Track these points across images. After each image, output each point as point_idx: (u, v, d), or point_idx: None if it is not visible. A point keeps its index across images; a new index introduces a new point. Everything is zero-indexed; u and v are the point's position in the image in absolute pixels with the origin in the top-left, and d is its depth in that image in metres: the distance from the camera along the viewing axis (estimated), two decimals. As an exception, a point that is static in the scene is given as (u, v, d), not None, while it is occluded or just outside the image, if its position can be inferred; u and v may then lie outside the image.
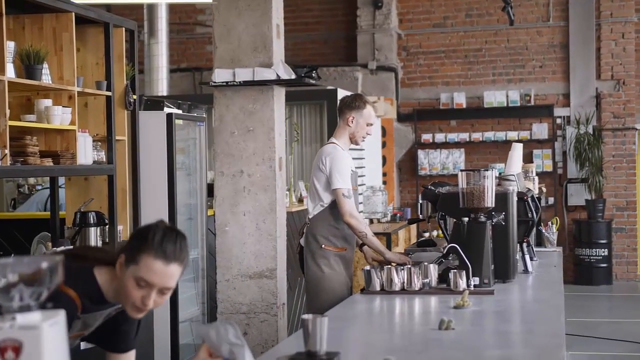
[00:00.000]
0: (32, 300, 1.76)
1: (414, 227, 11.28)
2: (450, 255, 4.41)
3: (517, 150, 5.54)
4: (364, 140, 5.34)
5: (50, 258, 1.78)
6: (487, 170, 4.42)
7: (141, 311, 2.61)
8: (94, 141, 5.45)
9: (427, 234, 12.21)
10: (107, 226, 5.51)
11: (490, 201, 4.39)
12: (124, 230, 5.79)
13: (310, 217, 5.22)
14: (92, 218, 5.36)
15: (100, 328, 2.77)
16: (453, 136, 12.74)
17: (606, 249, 12.13)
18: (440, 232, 11.88)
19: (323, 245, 5.12)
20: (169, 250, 2.56)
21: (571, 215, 12.59)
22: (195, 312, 6.73)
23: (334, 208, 5.12)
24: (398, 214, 11.18)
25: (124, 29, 5.83)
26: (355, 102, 5.24)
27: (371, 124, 5.26)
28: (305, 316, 2.74)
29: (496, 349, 3.07)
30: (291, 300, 7.17)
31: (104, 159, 5.52)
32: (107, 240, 5.54)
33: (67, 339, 2.53)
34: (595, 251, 12.11)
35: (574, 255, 12.33)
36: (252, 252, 5.66)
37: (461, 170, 4.46)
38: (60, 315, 1.80)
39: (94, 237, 5.37)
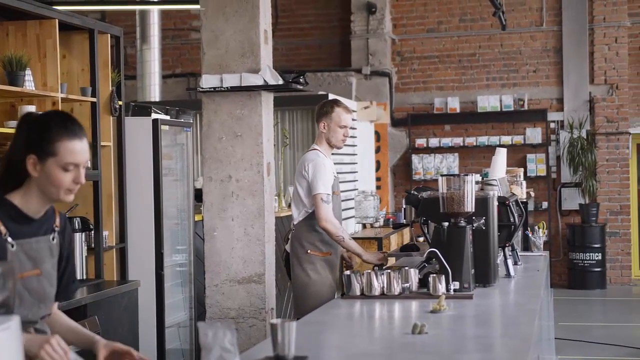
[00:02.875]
0: (-17, 306, 1.78)
1: (407, 231, 11.28)
2: (432, 259, 4.42)
3: (501, 155, 5.56)
4: (343, 142, 5.37)
5: (3, 264, 1.79)
6: (467, 175, 4.43)
7: (73, 191, 2.70)
8: (79, 147, 5.47)
9: (421, 239, 12.21)
10: (92, 232, 5.53)
11: (470, 206, 4.40)
12: (109, 236, 5.81)
13: (294, 222, 5.31)
14: (77, 224, 5.37)
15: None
16: (447, 141, 12.76)
17: (600, 253, 12.14)
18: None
19: (309, 251, 5.20)
20: (75, 128, 2.69)
21: (565, 220, 12.60)
22: (182, 317, 6.74)
23: None
24: (391, 219, 11.18)
25: (109, 35, 5.85)
26: (324, 107, 5.37)
27: (344, 126, 5.32)
28: (274, 321, 2.77)
29: (465, 352, 3.09)
30: (280, 305, 7.18)
31: (89, 165, 5.54)
32: (92, 245, 5.55)
33: (17, 279, 2.51)
34: (589, 255, 12.12)
35: (568, 260, 12.33)
36: (241, 257, 5.67)
37: (442, 175, 4.48)
38: (14, 321, 1.81)
39: (79, 242, 5.38)
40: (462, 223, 4.41)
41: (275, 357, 2.76)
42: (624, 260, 12.51)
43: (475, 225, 4.48)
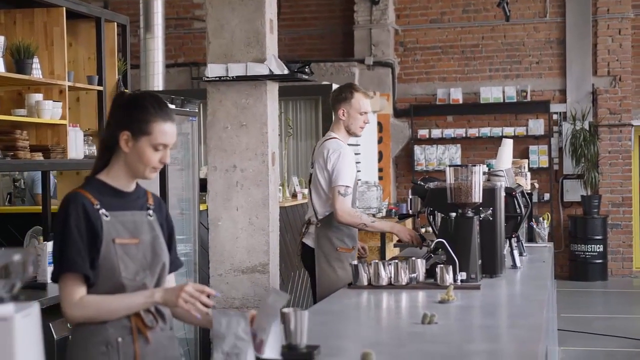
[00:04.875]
0: (4, 292, 1.78)
1: (409, 222, 11.29)
2: (439, 250, 4.43)
3: (507, 146, 5.56)
4: (362, 130, 5.21)
5: (23, 250, 1.80)
6: (475, 165, 4.43)
7: (156, 170, 2.86)
8: (85, 135, 5.47)
9: (423, 230, 12.23)
10: (98, 220, 5.52)
11: (477, 196, 4.40)
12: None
13: (319, 217, 5.09)
14: (83, 212, 5.36)
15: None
16: (449, 132, 12.76)
17: (601, 245, 12.16)
18: (435, 227, 11.91)
19: (338, 248, 5.03)
20: (168, 111, 2.85)
21: (567, 211, 12.61)
22: (187, 306, 6.73)
23: None
24: (394, 210, 11.20)
25: (115, 23, 5.84)
26: (342, 93, 5.15)
27: (365, 112, 5.13)
28: (286, 310, 2.77)
29: (475, 342, 3.10)
30: (284, 295, 7.19)
31: (96, 154, 5.54)
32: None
33: (113, 244, 2.76)
34: (591, 247, 12.13)
35: (570, 251, 12.35)
36: (245, 247, 5.67)
37: (449, 166, 4.47)
38: (34, 307, 1.82)
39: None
40: (470, 214, 4.41)
41: (287, 346, 2.76)
42: (625, 252, 12.53)
43: (482, 216, 4.48)
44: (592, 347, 8.13)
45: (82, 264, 2.72)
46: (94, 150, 5.54)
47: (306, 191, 8.33)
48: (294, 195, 8.11)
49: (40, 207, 5.67)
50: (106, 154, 2.85)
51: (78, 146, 5.28)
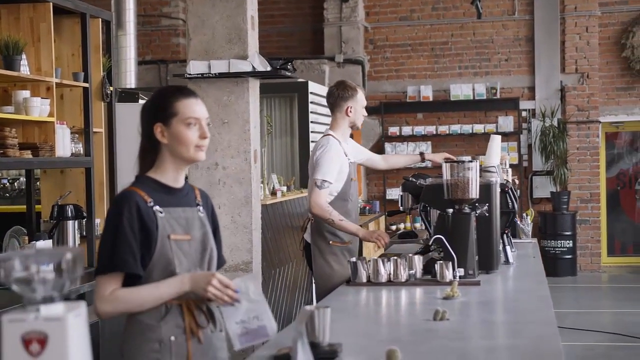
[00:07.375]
0: (55, 292, 1.74)
1: (382, 219, 11.33)
2: (432, 246, 4.42)
3: (496, 142, 5.58)
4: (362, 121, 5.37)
5: (73, 249, 1.75)
6: (472, 161, 4.43)
7: (202, 148, 2.84)
8: (71, 133, 5.38)
9: (394, 227, 12.27)
10: (84, 219, 5.44)
11: (474, 192, 4.40)
12: (101, 224, 5.72)
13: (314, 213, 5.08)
14: (69, 211, 5.29)
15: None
16: (420, 129, 12.80)
17: (571, 241, 12.28)
18: (409, 224, 11.95)
19: (331, 242, 5.08)
20: (188, 90, 2.90)
21: (536, 207, 12.71)
22: (171, 305, 6.67)
23: (338, 202, 5.05)
24: (367, 207, 11.22)
25: (100, 19, 5.75)
26: (348, 91, 5.21)
27: (364, 105, 5.31)
28: (309, 307, 2.74)
29: (494, 338, 3.09)
30: (266, 293, 7.16)
31: (82, 151, 5.45)
32: (84, 233, 5.47)
33: (168, 240, 2.76)
34: (560, 243, 12.25)
35: (539, 247, 12.41)
36: (228, 245, 5.64)
37: (445, 162, 4.47)
38: (82, 307, 1.77)
39: (72, 230, 5.29)
40: (467, 209, 4.42)
41: (310, 344, 2.73)
42: (594, 248, 12.67)
43: (479, 211, 4.48)
44: (568, 342, 8.20)
45: (134, 263, 2.73)
46: (80, 148, 5.45)
47: (285, 189, 8.33)
48: (274, 193, 8.07)
49: (25, 207, 5.57)
50: (149, 155, 2.86)
51: (65, 144, 5.19)
